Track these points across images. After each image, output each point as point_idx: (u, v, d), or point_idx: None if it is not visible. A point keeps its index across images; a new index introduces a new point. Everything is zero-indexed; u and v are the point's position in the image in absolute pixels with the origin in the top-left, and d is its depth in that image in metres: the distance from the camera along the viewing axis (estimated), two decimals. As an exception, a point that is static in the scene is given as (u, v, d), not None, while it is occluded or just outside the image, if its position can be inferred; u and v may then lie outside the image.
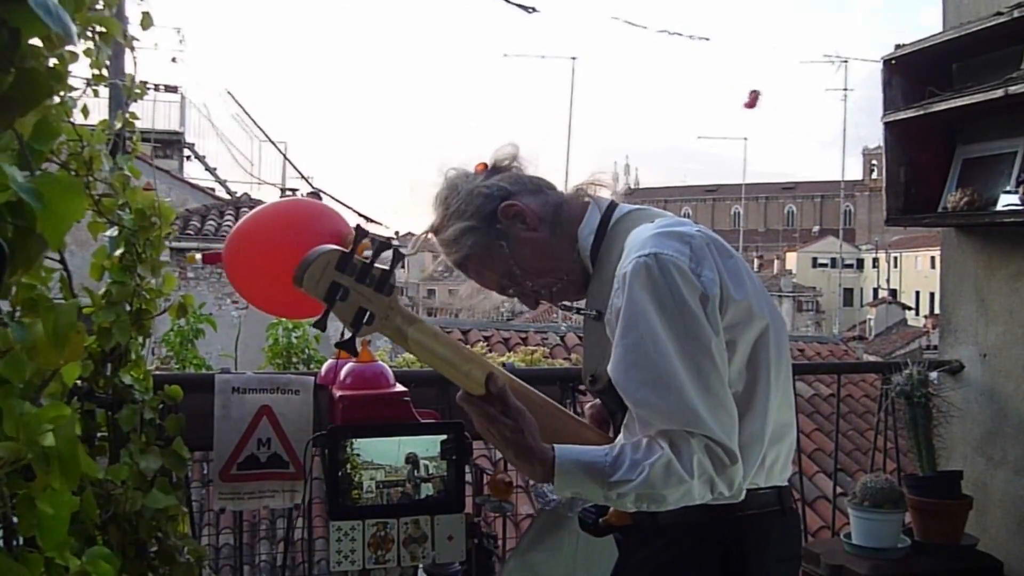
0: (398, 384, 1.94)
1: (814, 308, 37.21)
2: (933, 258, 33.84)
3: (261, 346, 7.77)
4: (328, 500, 1.80)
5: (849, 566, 2.45)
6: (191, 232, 11.01)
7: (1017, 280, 2.74)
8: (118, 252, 1.87)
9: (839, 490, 3.43)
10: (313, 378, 2.13)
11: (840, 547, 2.56)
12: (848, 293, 42.54)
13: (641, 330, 1.22)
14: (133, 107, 2.02)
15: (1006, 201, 2.54)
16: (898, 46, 2.86)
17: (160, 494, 1.80)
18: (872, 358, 14.88)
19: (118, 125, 1.95)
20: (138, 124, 2.02)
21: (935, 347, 7.61)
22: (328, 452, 1.79)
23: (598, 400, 1.50)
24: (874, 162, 56.62)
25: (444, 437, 1.84)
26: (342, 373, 1.92)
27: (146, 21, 1.88)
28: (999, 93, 2.40)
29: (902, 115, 2.80)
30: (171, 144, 14.64)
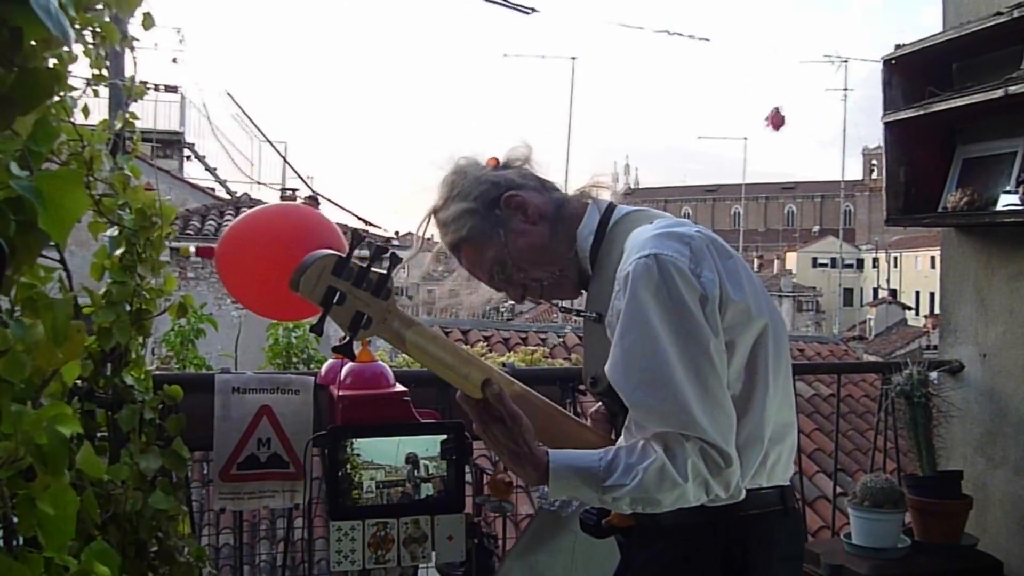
0: (398, 384, 1.95)
1: (814, 308, 37.21)
2: (933, 258, 33.84)
3: (261, 346, 7.77)
4: (328, 500, 1.80)
5: (849, 566, 2.45)
6: (191, 232, 11.00)
7: (1017, 280, 2.74)
8: (118, 252, 1.87)
9: (839, 490, 3.43)
10: (313, 378, 2.13)
11: (840, 547, 2.56)
12: (848, 293, 42.56)
13: (639, 331, 1.22)
14: (133, 107, 2.02)
15: (1006, 201, 2.54)
16: (898, 46, 2.86)
17: (161, 494, 1.80)
18: (872, 358, 14.88)
19: (118, 125, 1.95)
20: (138, 124, 2.02)
21: (935, 347, 7.60)
22: (328, 452, 1.79)
23: (601, 404, 1.50)
24: (874, 162, 56.62)
25: (444, 437, 1.84)
26: (342, 373, 1.92)
27: (147, 21, 1.88)
28: (999, 93, 2.40)
29: (902, 115, 2.80)
30: (171, 144, 14.65)
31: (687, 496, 1.21)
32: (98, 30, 1.71)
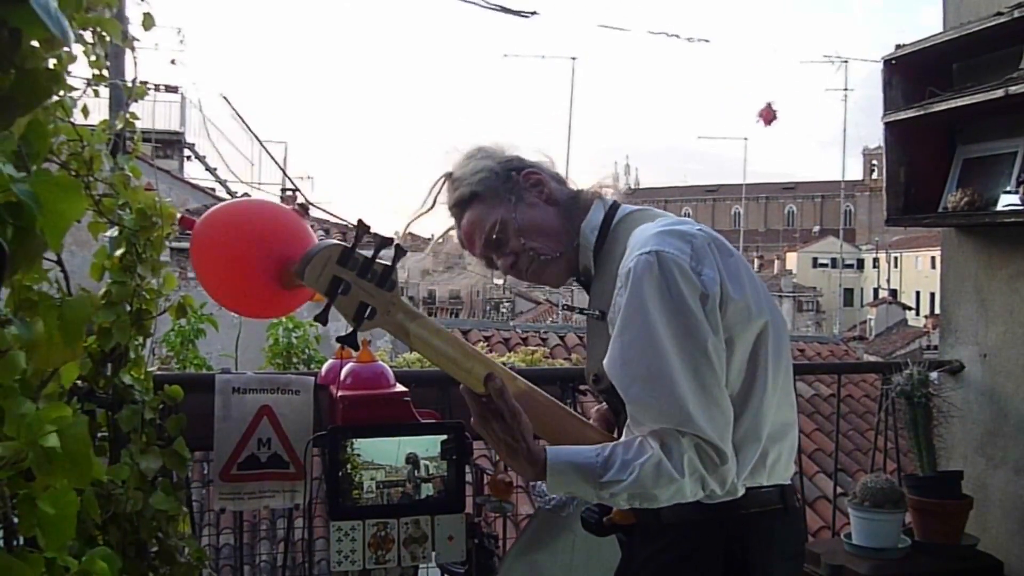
0: (398, 384, 1.95)
1: (814, 308, 37.23)
2: (933, 258, 33.85)
3: (261, 346, 7.76)
4: (328, 500, 1.80)
5: (849, 566, 2.45)
6: (191, 232, 10.97)
7: (1017, 280, 2.74)
8: (118, 252, 1.87)
9: (839, 490, 3.43)
10: (313, 378, 2.13)
11: (840, 547, 2.56)
12: (848, 293, 42.54)
13: (639, 326, 1.23)
14: (133, 107, 2.02)
15: (1006, 201, 2.54)
16: (898, 46, 2.87)
17: (161, 494, 1.80)
18: (872, 358, 14.88)
19: (118, 125, 1.95)
20: (138, 124, 2.01)
21: (935, 347, 7.60)
22: (328, 452, 1.79)
23: (604, 405, 1.50)
24: (874, 162, 56.63)
25: (444, 437, 1.84)
26: (342, 373, 1.92)
27: (147, 22, 1.88)
28: (999, 93, 2.40)
29: (902, 115, 2.80)
30: (171, 144, 14.65)
31: (684, 492, 1.21)
32: (98, 30, 1.71)
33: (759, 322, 1.29)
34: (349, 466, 1.78)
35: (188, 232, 1.59)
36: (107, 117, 1.99)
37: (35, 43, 0.85)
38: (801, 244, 52.76)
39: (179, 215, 1.85)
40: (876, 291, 42.28)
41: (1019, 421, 2.72)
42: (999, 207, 2.56)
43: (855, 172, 60.35)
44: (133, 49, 1.96)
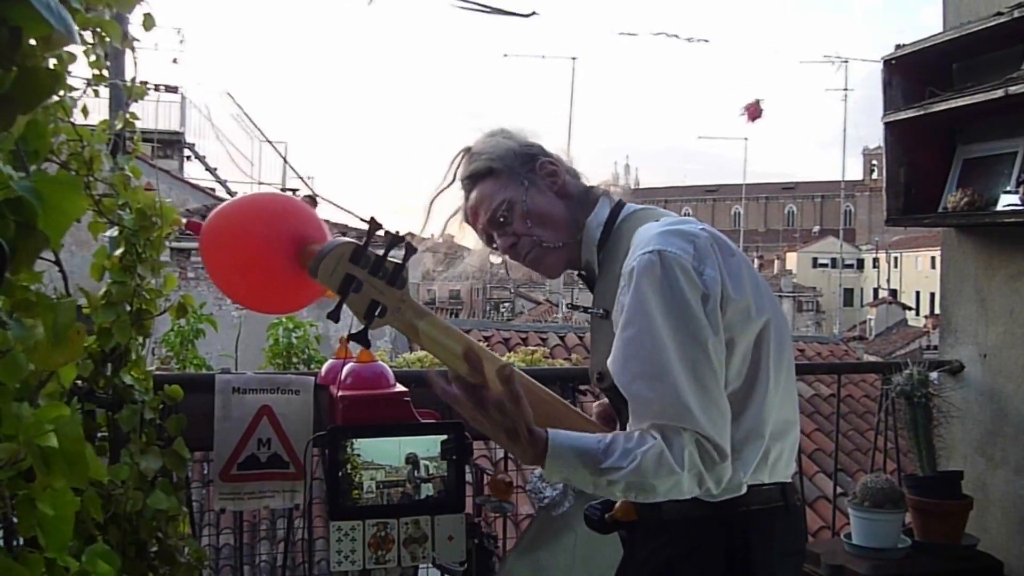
0: (398, 384, 1.95)
1: (814, 308, 37.21)
2: (933, 258, 33.87)
3: (261, 346, 7.76)
4: (328, 500, 1.80)
5: (849, 566, 2.45)
6: (191, 232, 10.97)
7: (1017, 280, 2.74)
8: (118, 252, 1.87)
9: (839, 490, 3.43)
10: (313, 378, 2.13)
11: (840, 547, 2.56)
12: (848, 293, 42.54)
13: (640, 324, 1.23)
14: (133, 107, 2.02)
15: (1006, 201, 2.54)
16: (898, 46, 2.87)
17: (161, 495, 1.80)
18: (872, 358, 14.89)
19: (118, 125, 1.95)
20: (138, 124, 2.01)
21: (935, 347, 7.60)
22: (328, 452, 1.79)
23: (605, 400, 1.50)
24: (874, 162, 56.64)
25: (444, 437, 1.84)
26: (342, 373, 1.91)
27: (147, 22, 1.88)
28: (999, 93, 2.40)
29: (902, 115, 2.80)
30: (171, 144, 14.65)
31: (681, 486, 1.21)
32: (98, 30, 1.71)
33: (760, 321, 1.30)
34: (349, 466, 1.78)
35: (192, 234, 1.58)
36: (107, 117, 1.99)
37: (35, 41, 0.85)
38: (801, 244, 52.76)
39: (185, 220, 1.84)
40: (876, 291, 42.29)
41: (1019, 421, 2.72)
42: (999, 207, 2.56)
43: (855, 172, 60.42)
44: (133, 49, 1.96)
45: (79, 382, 1.76)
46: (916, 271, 41.74)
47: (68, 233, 0.83)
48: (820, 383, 7.87)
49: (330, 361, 2.10)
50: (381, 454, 1.80)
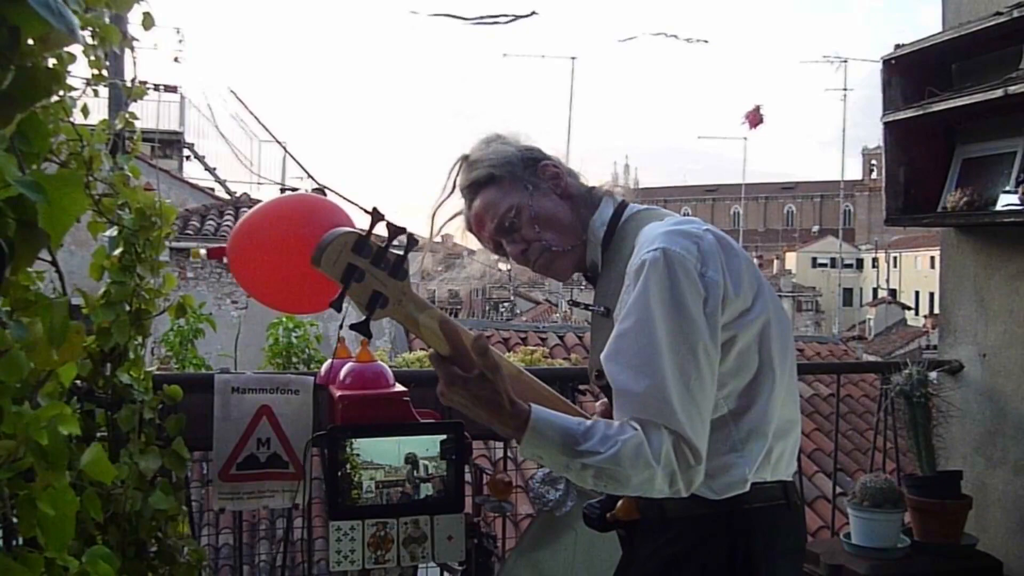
0: (398, 384, 1.95)
1: (814, 308, 37.23)
2: (933, 258, 33.85)
3: (261, 346, 7.76)
4: (327, 500, 1.80)
5: (849, 566, 2.45)
6: (191, 232, 11.00)
7: (1017, 280, 2.74)
8: (117, 252, 1.87)
9: (839, 490, 3.44)
10: (313, 378, 2.13)
11: (840, 547, 2.56)
12: (848, 293, 42.56)
13: (636, 318, 1.24)
14: (133, 107, 2.02)
15: (1006, 201, 2.54)
16: (898, 46, 2.87)
17: (161, 494, 1.80)
18: (872, 358, 14.89)
19: (118, 125, 1.95)
20: (138, 124, 2.01)
21: (935, 347, 7.61)
22: (328, 452, 1.79)
23: (606, 399, 1.51)
24: (874, 162, 56.64)
25: (444, 437, 1.84)
26: (342, 373, 1.91)
27: (147, 21, 1.88)
28: (999, 93, 2.40)
29: (902, 115, 2.80)
30: (171, 144, 14.66)
31: (654, 482, 1.20)
32: (98, 31, 1.71)
33: (761, 320, 1.30)
34: (348, 466, 1.78)
35: (219, 260, 1.60)
36: (107, 117, 1.99)
37: (34, 41, 0.85)
38: (800, 244, 52.76)
39: (205, 249, 1.85)
40: (875, 291, 42.30)
41: (1018, 421, 2.72)
42: (998, 207, 2.56)
43: (854, 172, 60.39)
44: (133, 49, 1.96)
45: (78, 382, 1.76)
46: (915, 271, 41.75)
47: (67, 233, 0.83)
48: (819, 383, 7.88)
49: (330, 361, 2.10)
50: (380, 454, 1.80)
